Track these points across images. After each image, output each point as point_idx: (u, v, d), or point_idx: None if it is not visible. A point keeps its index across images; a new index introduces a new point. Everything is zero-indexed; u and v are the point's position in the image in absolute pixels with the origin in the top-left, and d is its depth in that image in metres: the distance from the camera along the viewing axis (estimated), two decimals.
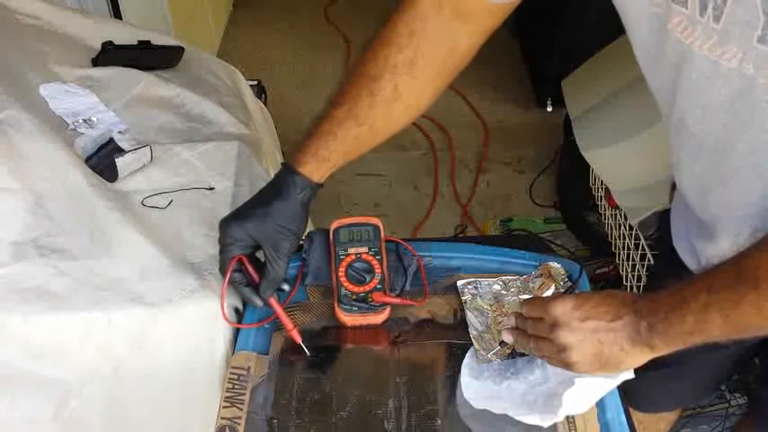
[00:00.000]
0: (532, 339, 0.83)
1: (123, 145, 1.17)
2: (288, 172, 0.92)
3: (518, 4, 0.88)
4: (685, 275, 1.00)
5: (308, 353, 0.92)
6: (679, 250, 1.05)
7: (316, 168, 0.91)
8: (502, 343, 0.91)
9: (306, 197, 0.92)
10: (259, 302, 0.93)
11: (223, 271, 0.93)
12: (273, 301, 0.93)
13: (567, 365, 0.80)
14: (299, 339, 0.92)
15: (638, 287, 1.83)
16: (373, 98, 0.90)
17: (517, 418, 0.84)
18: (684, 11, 0.70)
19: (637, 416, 1.19)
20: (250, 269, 0.93)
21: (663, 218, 1.10)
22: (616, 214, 1.98)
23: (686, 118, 0.81)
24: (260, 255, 0.94)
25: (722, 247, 0.89)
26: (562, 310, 0.79)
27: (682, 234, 1.03)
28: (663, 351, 0.75)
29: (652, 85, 0.84)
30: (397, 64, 0.89)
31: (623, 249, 1.92)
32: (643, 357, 0.77)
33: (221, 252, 0.93)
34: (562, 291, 0.97)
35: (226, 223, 0.92)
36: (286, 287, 0.95)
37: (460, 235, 2.33)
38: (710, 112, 0.76)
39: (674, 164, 0.92)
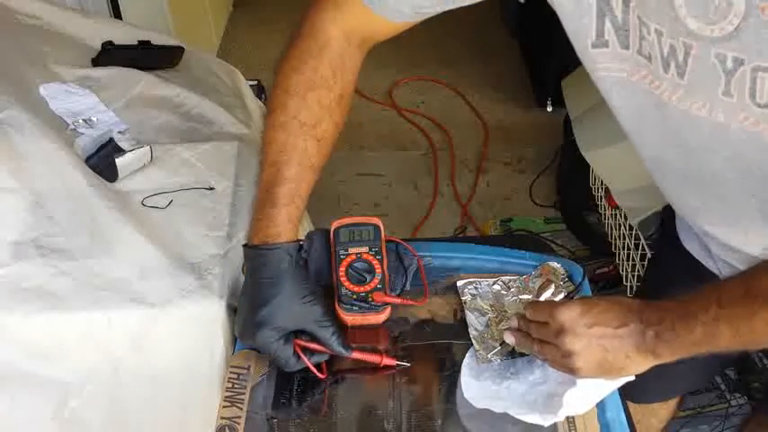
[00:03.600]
0: (536, 342, 0.83)
1: (123, 145, 1.17)
2: (272, 250, 0.87)
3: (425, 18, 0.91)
4: (687, 264, 1.02)
5: (407, 364, 0.91)
6: (684, 241, 1.05)
7: (294, 231, 0.90)
8: (503, 343, 0.91)
9: (298, 257, 0.90)
10: (346, 354, 0.90)
11: (292, 364, 0.88)
12: (360, 354, 0.90)
13: (571, 371, 0.80)
14: (393, 361, 0.91)
15: (639, 287, 1.83)
16: (320, 143, 0.92)
17: (518, 416, 0.84)
18: (650, 65, 0.72)
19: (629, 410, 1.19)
20: (313, 346, 0.89)
21: (665, 208, 1.11)
22: (616, 214, 1.98)
23: (664, 155, 0.83)
24: None
25: (732, 245, 0.90)
26: (569, 315, 0.79)
27: (686, 226, 1.04)
28: (667, 359, 0.75)
29: (623, 125, 0.86)
30: (330, 104, 0.92)
31: (623, 249, 1.92)
32: (646, 364, 0.77)
33: (275, 358, 0.88)
34: (563, 292, 0.97)
35: (259, 335, 0.86)
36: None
37: (460, 235, 2.32)
38: (689, 150, 0.78)
39: (662, 191, 0.93)
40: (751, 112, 0.67)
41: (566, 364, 0.80)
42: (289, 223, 0.89)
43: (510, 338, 0.88)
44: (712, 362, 1.10)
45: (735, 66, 0.65)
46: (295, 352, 0.87)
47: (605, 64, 0.77)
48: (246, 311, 0.88)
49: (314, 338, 0.89)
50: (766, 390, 1.33)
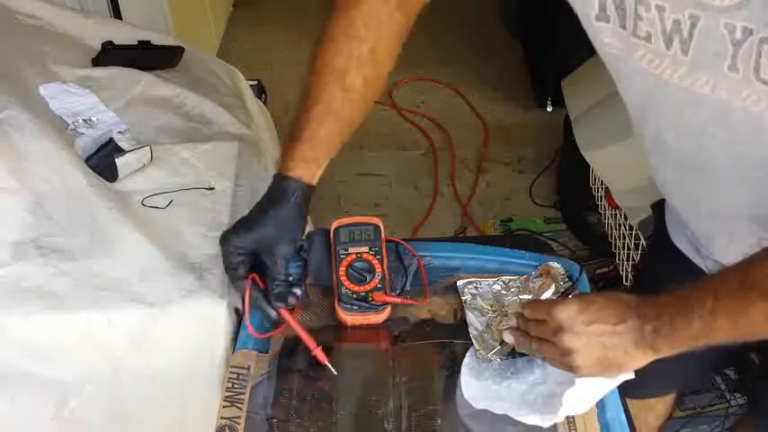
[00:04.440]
0: (535, 341, 0.83)
1: (123, 145, 1.17)
2: (278, 179, 0.92)
3: None
4: (677, 260, 1.02)
5: (335, 371, 0.89)
6: (673, 237, 1.06)
7: (306, 170, 0.92)
8: (502, 343, 0.91)
9: (300, 198, 0.92)
10: (272, 312, 0.93)
11: (236, 284, 0.94)
12: (288, 315, 0.92)
13: (571, 369, 0.80)
14: (324, 358, 0.90)
15: (631, 283, 1.83)
16: (347, 94, 0.93)
17: (517, 418, 0.84)
18: (649, 45, 0.73)
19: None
20: (261, 284, 0.93)
21: (657, 204, 1.13)
22: (616, 214, 1.98)
23: (663, 137, 0.83)
24: None
25: (720, 245, 0.91)
26: (567, 313, 0.79)
27: (676, 222, 1.04)
28: (666, 353, 0.75)
29: (626, 100, 0.86)
30: (360, 55, 0.93)
31: (623, 249, 1.92)
32: (646, 360, 0.77)
33: (226, 266, 0.94)
34: (562, 290, 0.97)
35: (225, 237, 0.93)
36: (298, 291, 0.95)
37: (460, 235, 2.32)
38: (688, 133, 0.78)
39: (655, 179, 0.94)
40: (754, 89, 0.68)
41: (565, 363, 0.80)
42: (301, 161, 0.92)
43: (509, 337, 0.88)
44: (708, 357, 1.11)
45: (744, 36, 0.65)
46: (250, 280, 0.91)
47: (607, 39, 0.77)
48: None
49: (265, 275, 0.92)
50: (752, 392, 1.33)
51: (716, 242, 0.93)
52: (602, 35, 0.78)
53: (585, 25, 0.80)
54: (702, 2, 0.66)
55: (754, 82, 0.67)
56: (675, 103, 0.75)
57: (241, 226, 0.93)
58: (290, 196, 0.91)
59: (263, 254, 0.92)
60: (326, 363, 0.89)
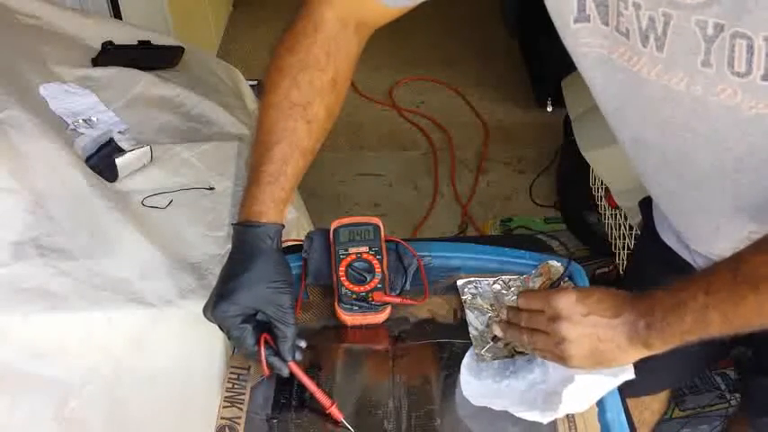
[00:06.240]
0: (526, 332, 0.83)
1: (123, 145, 1.17)
2: (252, 228, 0.87)
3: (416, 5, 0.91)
4: (664, 255, 1.03)
5: (353, 430, 0.84)
6: (661, 232, 1.06)
7: (277, 212, 0.89)
8: (494, 338, 0.90)
9: (278, 242, 0.88)
10: (285, 370, 0.86)
11: (247, 351, 0.86)
12: (301, 373, 0.86)
13: (562, 359, 0.80)
14: (340, 416, 0.84)
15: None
16: (310, 125, 0.90)
17: (517, 414, 0.84)
18: (628, 42, 0.73)
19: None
20: (272, 342, 0.87)
21: (644, 201, 1.13)
22: (616, 214, 1.98)
23: (643, 135, 0.84)
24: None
25: (706, 239, 0.92)
26: (565, 302, 0.79)
27: (663, 217, 1.05)
28: (659, 349, 0.75)
29: (603, 106, 0.87)
30: (322, 86, 0.91)
31: (623, 249, 1.92)
32: (638, 355, 0.77)
33: (231, 338, 0.87)
34: (555, 283, 0.97)
35: (216, 307, 0.84)
36: (303, 344, 0.88)
37: (460, 235, 2.32)
38: (667, 128, 0.79)
39: (640, 176, 0.94)
40: (729, 83, 0.68)
41: (558, 353, 0.80)
42: (272, 203, 0.88)
43: (498, 331, 0.88)
44: (701, 354, 1.11)
45: (715, 32, 0.66)
46: (256, 341, 0.85)
47: (586, 39, 0.78)
48: (214, 287, 0.88)
49: (270, 329, 0.86)
50: (746, 387, 1.33)
51: (702, 236, 0.93)
52: (581, 37, 0.78)
53: (562, 31, 0.80)
54: (674, 0, 0.67)
55: (728, 75, 0.68)
56: (654, 101, 0.76)
57: (227, 291, 0.84)
58: (272, 243, 0.87)
59: (265, 310, 0.85)
60: (343, 420, 0.85)
